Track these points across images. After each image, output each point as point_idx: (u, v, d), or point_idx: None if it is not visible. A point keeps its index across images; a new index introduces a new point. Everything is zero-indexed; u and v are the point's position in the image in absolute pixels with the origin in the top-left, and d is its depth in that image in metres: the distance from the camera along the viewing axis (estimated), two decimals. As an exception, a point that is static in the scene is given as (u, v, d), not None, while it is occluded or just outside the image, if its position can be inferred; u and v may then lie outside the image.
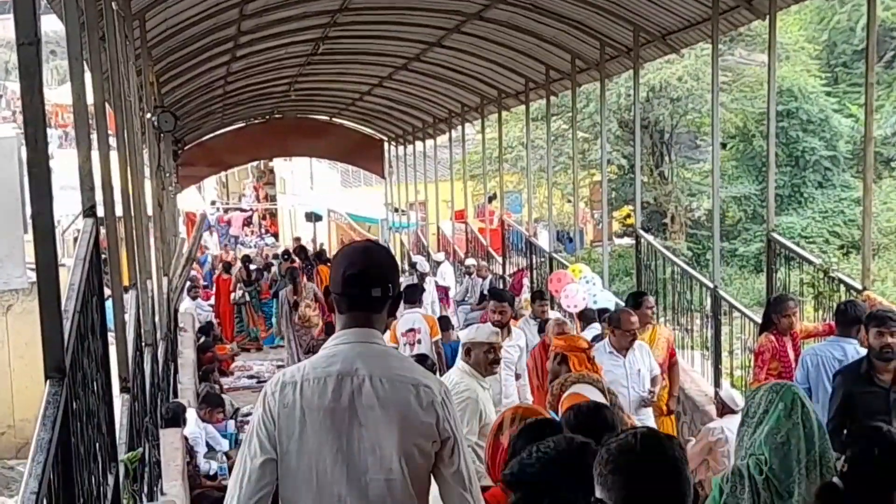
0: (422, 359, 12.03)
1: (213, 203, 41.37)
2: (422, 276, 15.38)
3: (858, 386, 6.44)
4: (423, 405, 3.15)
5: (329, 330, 15.21)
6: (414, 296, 11.73)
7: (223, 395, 13.85)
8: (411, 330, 10.60)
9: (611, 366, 7.66)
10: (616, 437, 2.58)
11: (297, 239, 32.20)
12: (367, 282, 3.17)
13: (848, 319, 7.46)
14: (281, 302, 17.79)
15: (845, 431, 3.19)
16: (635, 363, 7.83)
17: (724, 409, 7.65)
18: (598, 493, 2.47)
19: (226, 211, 41.34)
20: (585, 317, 11.34)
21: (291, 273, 18.05)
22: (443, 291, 17.61)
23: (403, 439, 3.12)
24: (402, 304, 11.74)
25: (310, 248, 26.56)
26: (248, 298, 21.25)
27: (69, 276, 4.16)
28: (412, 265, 21.47)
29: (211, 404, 11.99)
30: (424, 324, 10.94)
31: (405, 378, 3.17)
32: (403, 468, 3.12)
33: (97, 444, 4.12)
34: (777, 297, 9.48)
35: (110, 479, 4.47)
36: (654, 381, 7.95)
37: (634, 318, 8.09)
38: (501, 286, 18.08)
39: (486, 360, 6.57)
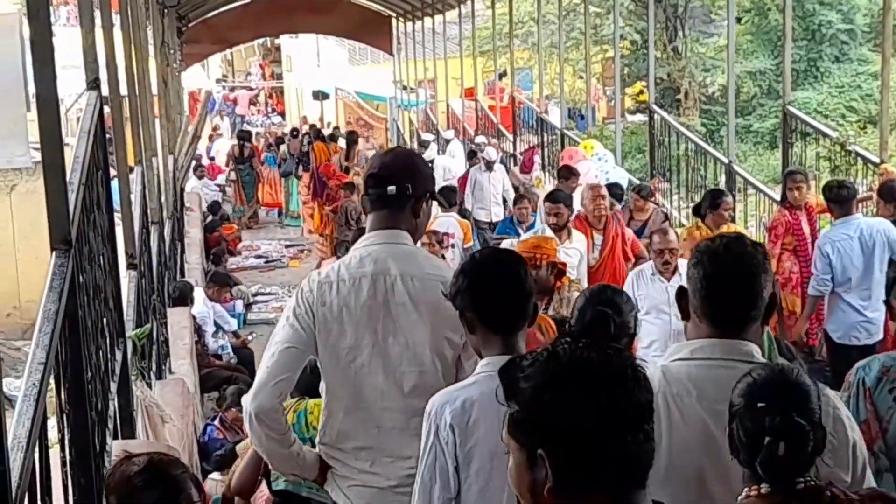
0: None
1: (218, 81, 40.84)
2: (489, 164, 14.43)
3: None
4: None
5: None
6: (451, 198, 11.45)
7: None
8: (445, 234, 10.33)
9: (652, 290, 6.64)
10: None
11: (305, 118, 31.88)
12: (383, 181, 3.35)
13: (849, 196, 7.40)
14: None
15: None
16: None
17: None
18: (686, 284, 2.72)
19: (231, 90, 40.86)
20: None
21: (349, 138, 17.94)
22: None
23: (435, 334, 3.30)
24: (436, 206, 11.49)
25: (318, 126, 26.15)
26: (234, 177, 20.77)
27: (73, 150, 4.13)
28: (422, 143, 21.25)
29: (218, 283, 11.97)
30: (459, 229, 10.79)
31: (433, 276, 3.33)
32: (435, 361, 3.31)
33: (105, 319, 4.10)
34: (788, 170, 9.37)
35: (118, 355, 4.45)
36: None
37: (671, 237, 6.81)
38: (512, 164, 17.91)
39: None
